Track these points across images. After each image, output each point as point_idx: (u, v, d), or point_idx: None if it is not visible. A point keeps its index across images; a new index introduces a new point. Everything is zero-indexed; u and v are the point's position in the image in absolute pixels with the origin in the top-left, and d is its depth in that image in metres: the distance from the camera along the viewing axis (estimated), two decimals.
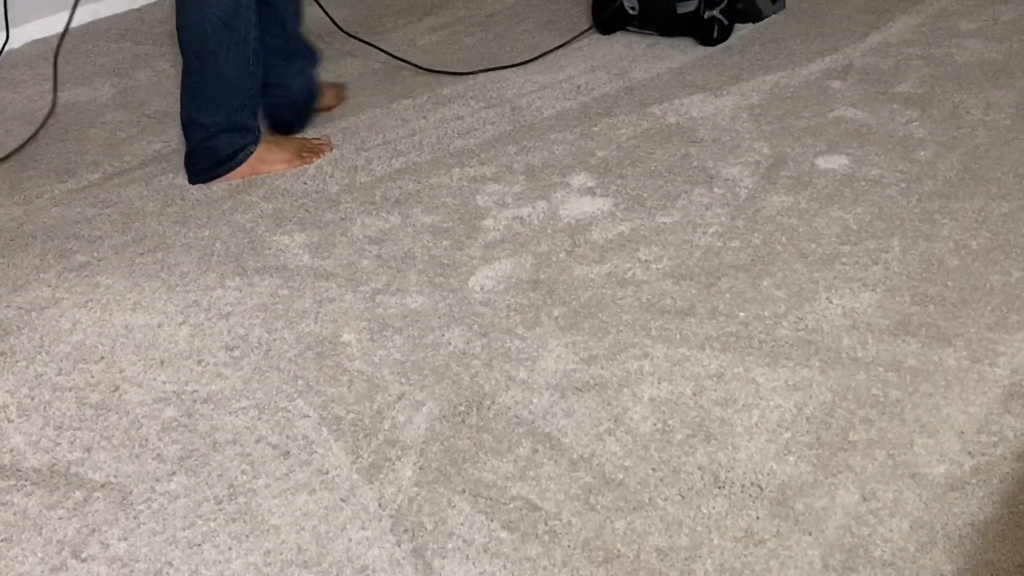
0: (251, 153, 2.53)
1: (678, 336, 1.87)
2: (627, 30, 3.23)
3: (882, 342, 1.81)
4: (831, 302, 1.92)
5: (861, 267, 2.02)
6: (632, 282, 2.03)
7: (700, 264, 2.07)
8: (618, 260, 2.10)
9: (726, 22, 3.12)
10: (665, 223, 2.22)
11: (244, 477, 1.63)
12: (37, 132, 2.83)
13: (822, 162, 2.41)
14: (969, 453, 1.57)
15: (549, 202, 2.34)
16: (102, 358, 1.93)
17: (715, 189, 2.33)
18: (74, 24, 3.59)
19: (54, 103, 2.99)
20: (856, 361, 1.77)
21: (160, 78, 3.16)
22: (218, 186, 2.49)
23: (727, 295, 1.97)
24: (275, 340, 1.94)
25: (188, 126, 2.50)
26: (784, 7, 3.34)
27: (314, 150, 2.63)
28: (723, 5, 3.09)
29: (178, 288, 2.12)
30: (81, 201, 2.47)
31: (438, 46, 3.28)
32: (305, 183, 2.50)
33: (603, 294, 2.00)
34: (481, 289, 2.05)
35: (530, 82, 2.95)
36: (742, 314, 1.91)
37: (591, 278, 2.05)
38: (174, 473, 1.65)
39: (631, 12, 3.16)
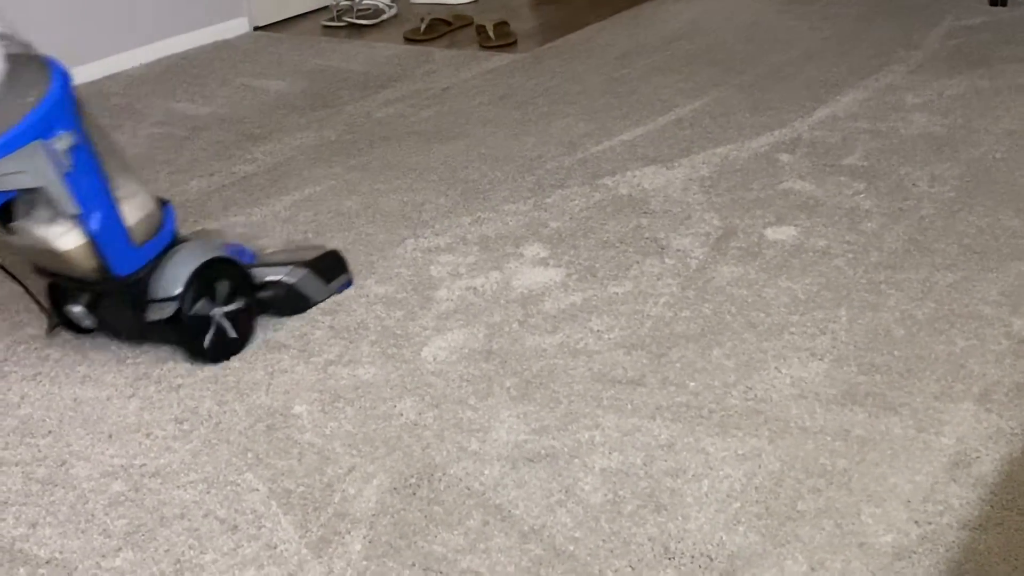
0: None
1: (629, 406, 1.88)
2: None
3: (829, 411, 1.83)
4: (780, 372, 1.94)
5: (809, 337, 2.04)
6: (584, 352, 2.04)
7: (651, 334, 2.09)
8: (570, 330, 2.12)
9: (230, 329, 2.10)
10: (617, 293, 2.24)
11: (191, 552, 1.61)
12: None
13: (771, 233, 2.45)
14: (916, 522, 1.58)
15: (502, 272, 2.35)
16: (50, 432, 1.91)
17: (666, 260, 2.36)
18: None
19: None
20: (804, 430, 1.78)
21: None
22: None
23: (677, 365, 1.98)
24: (225, 413, 1.93)
25: None
26: (351, 282, 2.33)
27: None
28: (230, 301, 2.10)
29: (128, 360, 2.11)
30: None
31: (394, 119, 3.31)
32: None
33: (555, 364, 2.01)
34: (434, 360, 2.05)
35: (484, 155, 2.99)
36: (692, 384, 1.93)
37: (543, 348, 2.06)
38: (120, 549, 1.63)
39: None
